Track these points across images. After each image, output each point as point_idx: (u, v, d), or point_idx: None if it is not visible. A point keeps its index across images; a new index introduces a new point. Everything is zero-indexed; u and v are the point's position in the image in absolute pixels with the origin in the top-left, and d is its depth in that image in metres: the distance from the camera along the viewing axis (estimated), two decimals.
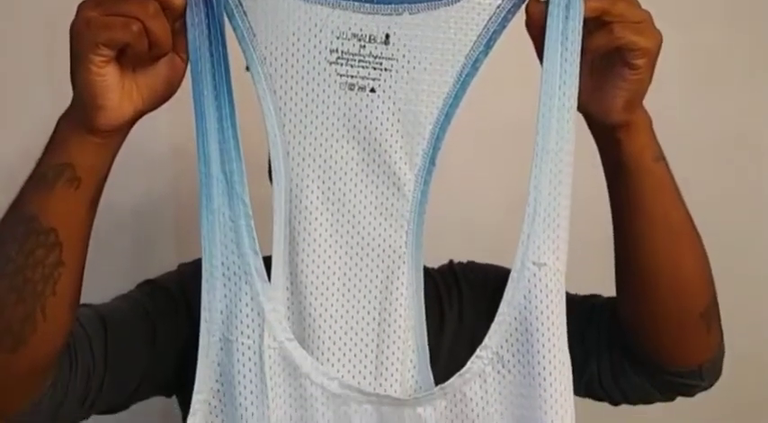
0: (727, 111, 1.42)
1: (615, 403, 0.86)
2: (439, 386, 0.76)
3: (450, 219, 1.12)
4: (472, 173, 1.32)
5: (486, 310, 0.77)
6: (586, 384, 0.82)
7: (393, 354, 0.77)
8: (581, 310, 0.79)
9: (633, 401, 0.85)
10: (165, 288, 0.83)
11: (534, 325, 0.74)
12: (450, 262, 0.93)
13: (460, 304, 0.88)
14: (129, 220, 1.19)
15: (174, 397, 0.90)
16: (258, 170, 0.82)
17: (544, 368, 0.74)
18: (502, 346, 0.76)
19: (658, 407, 0.87)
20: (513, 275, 0.75)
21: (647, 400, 0.85)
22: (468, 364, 0.76)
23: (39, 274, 0.67)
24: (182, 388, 0.79)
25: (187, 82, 0.72)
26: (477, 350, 0.76)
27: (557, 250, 0.76)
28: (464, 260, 0.96)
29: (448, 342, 0.85)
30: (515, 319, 0.76)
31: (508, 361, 0.76)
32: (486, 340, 0.76)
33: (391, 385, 0.77)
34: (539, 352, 0.74)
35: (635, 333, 0.80)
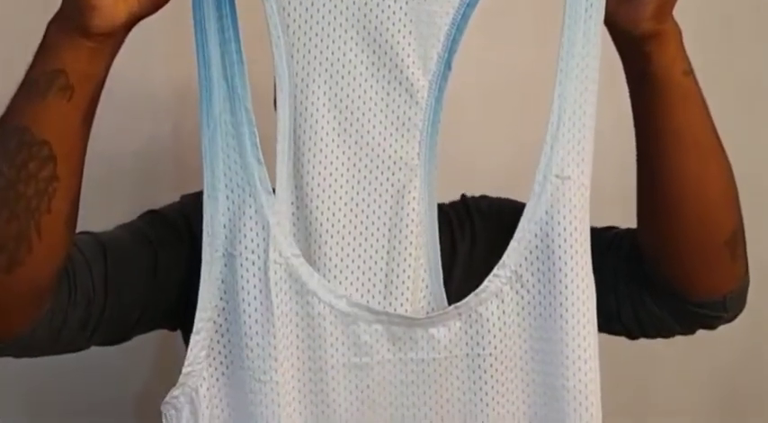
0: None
1: (633, 337, 0.82)
2: (453, 305, 0.72)
3: (454, 166, 1.08)
4: (478, 122, 1.28)
5: (500, 242, 0.73)
6: (604, 317, 0.77)
7: (404, 272, 0.73)
8: (599, 242, 0.75)
9: (652, 335, 0.81)
10: (167, 217, 0.79)
11: (556, 241, 0.70)
12: (463, 196, 0.89)
13: (473, 236, 0.84)
14: (130, 166, 1.16)
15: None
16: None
17: (566, 287, 0.70)
18: (521, 265, 0.72)
19: None
20: (534, 189, 0.71)
21: (667, 334, 0.81)
22: (485, 282, 0.72)
23: (32, 188, 0.62)
24: (185, 321, 0.75)
25: (187, 23, 0.67)
26: (495, 269, 0.72)
27: (581, 163, 0.71)
28: (476, 194, 0.92)
29: (459, 273, 0.81)
30: (536, 235, 0.71)
31: (527, 280, 0.72)
32: (504, 258, 0.72)
33: (402, 305, 0.73)
34: (560, 270, 0.70)
35: (656, 263, 0.76)
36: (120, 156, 1.15)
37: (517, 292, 0.72)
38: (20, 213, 0.62)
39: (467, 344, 0.73)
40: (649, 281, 0.77)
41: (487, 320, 0.72)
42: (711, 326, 0.79)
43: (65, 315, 0.67)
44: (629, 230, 0.81)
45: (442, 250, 0.76)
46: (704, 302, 0.75)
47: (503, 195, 0.89)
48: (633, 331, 0.80)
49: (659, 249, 0.75)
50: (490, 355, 0.72)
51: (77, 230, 0.68)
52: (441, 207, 0.84)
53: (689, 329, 0.80)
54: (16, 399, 1.13)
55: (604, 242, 0.79)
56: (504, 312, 0.72)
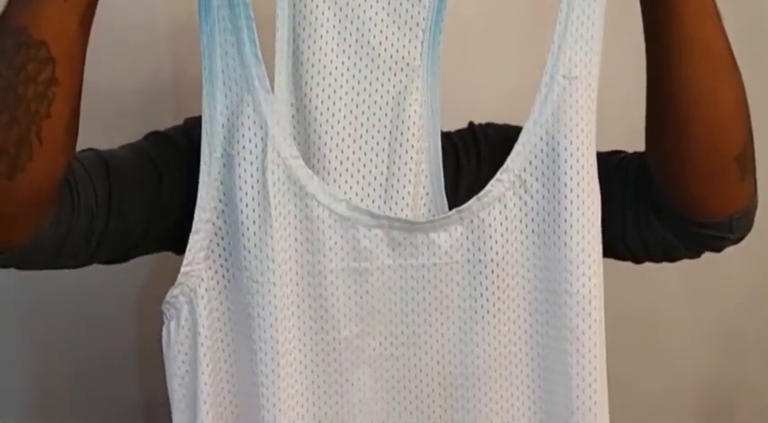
0: None
1: (638, 261, 0.80)
2: (455, 209, 0.71)
3: (449, 106, 1.06)
4: (474, 61, 1.25)
5: None
6: (610, 240, 0.75)
7: (405, 176, 0.72)
8: (606, 165, 0.72)
9: (657, 258, 0.79)
10: (170, 137, 0.78)
11: (562, 144, 0.68)
12: (470, 123, 0.87)
13: (479, 161, 0.81)
14: (133, 103, 1.15)
15: None
16: None
17: (571, 190, 0.68)
18: (525, 170, 0.70)
19: None
20: (540, 90, 0.69)
21: (672, 257, 0.79)
22: (488, 187, 0.70)
23: (31, 91, 0.61)
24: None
25: None
26: (498, 173, 0.70)
27: (589, 64, 0.68)
28: (483, 122, 0.90)
29: (464, 193, 0.79)
30: (541, 138, 0.69)
31: (531, 185, 0.70)
32: (507, 162, 0.70)
33: (402, 209, 0.72)
34: (566, 173, 0.68)
35: (663, 183, 0.73)
36: (121, 93, 1.14)
37: (520, 198, 0.71)
38: (20, 117, 0.61)
39: (468, 249, 0.71)
40: (655, 203, 0.74)
41: (489, 226, 0.71)
42: (717, 248, 0.77)
43: (68, 227, 0.67)
44: (635, 154, 0.79)
45: (446, 175, 0.74)
46: (710, 223, 0.73)
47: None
48: (638, 254, 0.78)
49: (667, 168, 0.72)
50: (491, 260, 0.71)
51: (80, 149, 0.68)
52: (447, 134, 0.83)
53: (694, 252, 0.77)
54: (15, 302, 1.15)
55: (611, 166, 0.77)
56: (506, 218, 0.71)
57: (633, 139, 0.77)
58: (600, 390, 0.70)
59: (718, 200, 0.72)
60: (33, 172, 0.62)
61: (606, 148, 0.78)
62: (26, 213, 0.64)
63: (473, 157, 0.82)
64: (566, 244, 0.69)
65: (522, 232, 0.71)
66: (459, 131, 0.86)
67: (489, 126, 0.86)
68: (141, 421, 1.22)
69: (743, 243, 0.77)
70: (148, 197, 0.73)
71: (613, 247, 0.76)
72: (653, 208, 0.74)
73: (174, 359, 0.73)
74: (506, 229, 0.71)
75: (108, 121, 1.04)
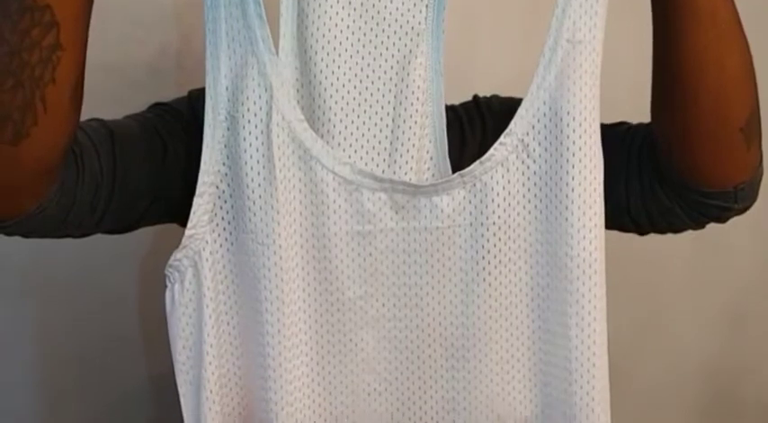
0: None
1: (642, 232, 0.81)
2: (458, 173, 0.71)
3: (453, 78, 1.06)
4: (478, 27, 1.24)
5: None
6: (614, 211, 0.76)
7: (408, 140, 0.72)
8: (611, 136, 0.73)
9: (661, 229, 0.80)
10: (175, 108, 0.78)
11: (565, 108, 0.69)
12: (475, 96, 0.87)
13: (483, 133, 0.82)
14: (140, 76, 1.15)
15: None
16: None
17: (573, 154, 0.69)
18: (528, 134, 0.71)
19: None
20: (544, 54, 0.69)
21: (677, 228, 0.80)
22: (491, 151, 0.71)
23: (36, 56, 0.61)
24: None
25: None
26: (501, 137, 0.71)
27: (594, 28, 0.69)
28: (488, 94, 0.90)
29: (467, 164, 0.80)
30: (544, 103, 0.70)
31: (534, 150, 0.71)
32: (510, 126, 0.71)
33: (405, 173, 0.72)
34: (568, 138, 0.69)
35: (669, 153, 0.74)
36: (128, 65, 1.13)
37: (523, 162, 0.71)
38: (24, 82, 0.60)
39: (470, 213, 0.72)
40: (660, 172, 0.75)
41: (492, 190, 0.71)
42: (722, 218, 0.78)
43: (73, 196, 0.67)
44: (640, 124, 0.79)
45: (451, 146, 0.75)
46: (715, 193, 0.73)
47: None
48: (642, 225, 0.79)
49: (673, 138, 0.73)
50: (494, 224, 0.72)
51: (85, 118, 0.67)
52: (452, 107, 0.83)
53: (699, 222, 0.78)
54: (15, 273, 1.15)
55: (616, 136, 0.78)
56: (509, 182, 0.72)
57: (639, 112, 0.77)
58: (599, 352, 0.71)
59: (722, 169, 0.72)
60: (38, 139, 0.61)
61: (612, 121, 0.79)
62: (31, 181, 0.64)
63: (478, 128, 0.83)
64: (567, 208, 0.70)
65: (524, 196, 0.72)
66: (464, 104, 0.86)
67: (494, 98, 0.87)
68: (147, 396, 1.23)
69: (748, 223, 0.77)
70: (153, 168, 0.73)
71: (618, 218, 0.77)
72: (657, 178, 0.75)
73: (178, 321, 0.73)
74: (509, 193, 0.72)
75: (115, 93, 1.04)
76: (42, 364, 1.19)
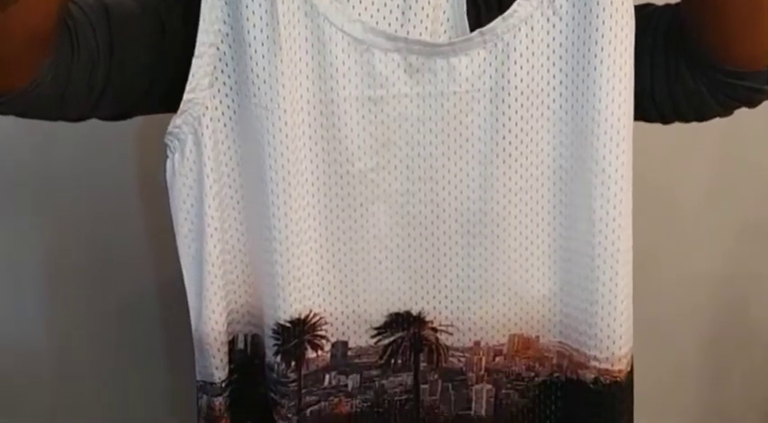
0: None
1: (666, 120, 0.75)
2: (478, 31, 0.65)
3: None
4: None
5: None
6: (637, 95, 0.70)
7: None
8: (637, 14, 0.67)
9: (686, 115, 0.74)
10: None
11: None
12: None
13: None
14: None
15: None
16: None
17: (604, 10, 0.63)
18: None
19: None
20: None
21: (703, 114, 0.74)
22: (514, 6, 0.65)
23: None
24: None
25: None
26: None
27: None
28: None
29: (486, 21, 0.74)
30: None
31: (560, 6, 0.65)
32: None
33: (420, 33, 0.67)
34: None
35: (698, 29, 0.67)
36: None
37: (548, 20, 0.66)
38: None
39: (490, 76, 0.67)
40: (688, 53, 0.69)
41: (514, 50, 0.66)
42: (750, 101, 0.72)
43: (68, 73, 0.62)
44: (667, 5, 0.73)
45: (469, 4, 0.68)
46: (744, 73, 0.67)
47: None
48: (666, 111, 0.73)
49: (702, 14, 0.67)
50: (515, 88, 0.67)
51: None
52: None
53: (726, 106, 0.72)
54: (19, 189, 1.12)
55: (642, 17, 0.71)
56: (532, 41, 0.66)
57: None
58: (624, 225, 0.67)
59: (753, 47, 0.66)
60: (27, 3, 0.56)
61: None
62: (22, 53, 0.59)
63: None
64: (595, 69, 0.64)
65: (548, 58, 0.66)
66: None
67: None
68: (156, 302, 1.21)
69: None
70: (152, 48, 0.67)
71: (642, 104, 0.71)
72: (684, 58, 0.69)
73: (179, 193, 0.69)
74: (532, 54, 0.66)
75: None
76: (49, 271, 1.17)
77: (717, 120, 0.75)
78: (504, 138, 0.68)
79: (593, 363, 0.71)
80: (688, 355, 1.43)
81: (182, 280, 0.73)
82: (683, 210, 1.34)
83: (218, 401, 0.73)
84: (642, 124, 0.72)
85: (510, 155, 0.68)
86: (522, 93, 0.67)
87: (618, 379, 0.70)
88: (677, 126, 0.76)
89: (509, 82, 0.67)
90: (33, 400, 1.22)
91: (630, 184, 0.67)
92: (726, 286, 1.41)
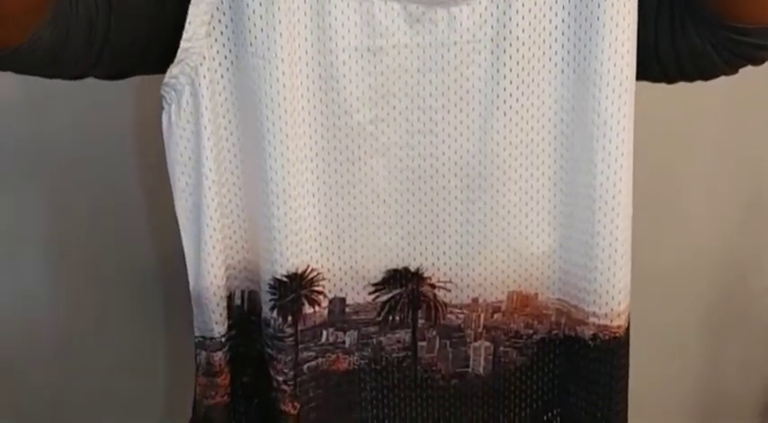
0: None
1: (670, 80, 0.74)
2: None
3: None
4: None
5: None
6: (641, 53, 0.69)
7: None
8: None
9: (690, 74, 0.72)
10: None
11: None
12: None
13: None
14: None
15: None
16: None
17: None
18: None
19: None
20: None
21: (708, 72, 0.73)
22: None
23: None
24: None
25: None
26: None
27: None
28: None
29: None
30: None
31: None
32: None
33: None
34: None
35: None
36: None
37: None
38: None
39: (492, 27, 0.66)
40: (692, 9, 0.68)
41: (516, 0, 0.65)
42: (755, 59, 0.70)
43: (67, 29, 0.61)
44: None
45: None
46: (749, 30, 0.66)
47: None
48: (670, 69, 0.72)
49: None
50: (517, 39, 0.66)
51: None
52: None
53: (732, 64, 0.71)
54: (18, 155, 1.11)
55: None
56: None
57: None
58: (625, 178, 0.66)
59: (757, 3, 0.65)
60: None
61: None
62: (20, 9, 0.57)
63: None
64: (598, 19, 0.63)
65: (551, 9, 0.65)
66: None
67: None
68: (157, 268, 1.20)
69: None
70: (150, 3, 0.66)
71: (645, 63, 0.70)
72: (689, 14, 0.68)
73: (176, 145, 0.69)
74: (534, 4, 0.65)
75: None
76: (51, 240, 1.16)
77: (722, 86, 0.74)
78: (504, 89, 0.67)
79: (592, 319, 0.70)
80: (688, 328, 1.43)
81: (181, 244, 0.72)
82: (685, 190, 1.34)
83: (218, 356, 0.72)
84: (645, 91, 0.71)
85: (511, 107, 0.67)
86: (523, 43, 0.66)
87: (617, 335, 0.70)
88: (682, 92, 0.75)
89: (510, 32, 0.66)
90: (36, 373, 1.21)
91: (632, 138, 0.67)
92: (727, 262, 1.41)
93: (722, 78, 0.74)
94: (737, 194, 1.36)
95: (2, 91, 1.06)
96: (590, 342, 0.71)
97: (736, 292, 1.43)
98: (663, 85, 0.73)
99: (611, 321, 0.69)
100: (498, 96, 0.67)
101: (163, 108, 0.68)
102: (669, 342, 1.37)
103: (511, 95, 0.67)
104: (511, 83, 0.67)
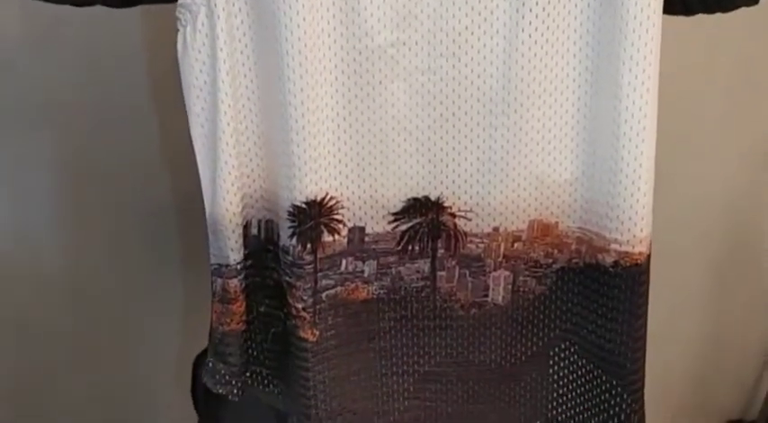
0: None
1: (690, 11, 0.72)
2: None
3: None
4: None
5: None
6: None
7: None
8: None
9: (710, 5, 0.71)
10: None
11: None
12: None
13: None
14: None
15: None
16: None
17: None
18: None
19: None
20: None
21: (726, 4, 0.71)
22: None
23: None
24: None
25: None
26: None
27: None
28: None
29: None
30: None
31: None
32: None
33: None
34: None
35: None
36: None
37: None
38: None
39: None
40: None
41: None
42: None
43: None
44: None
45: None
46: None
47: None
48: (691, 1, 0.71)
49: None
50: None
51: None
52: None
53: None
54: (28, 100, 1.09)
55: None
56: None
57: None
58: (651, 101, 0.65)
59: None
60: None
61: None
62: None
63: None
64: None
65: None
66: None
67: None
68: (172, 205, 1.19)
69: None
70: None
71: None
72: None
73: (191, 68, 0.67)
74: None
75: None
76: (64, 183, 1.15)
77: (740, 26, 0.72)
78: (530, 10, 0.65)
79: (614, 246, 0.70)
80: (693, 278, 1.43)
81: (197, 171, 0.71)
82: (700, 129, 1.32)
83: (234, 283, 0.72)
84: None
85: (536, 29, 0.66)
86: None
87: (638, 261, 0.69)
88: (699, 31, 0.74)
89: None
90: (48, 321, 1.21)
91: (659, 61, 0.65)
92: (736, 209, 1.41)
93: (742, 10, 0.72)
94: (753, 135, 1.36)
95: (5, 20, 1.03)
96: (611, 269, 0.70)
97: (744, 232, 1.43)
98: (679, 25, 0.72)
99: (633, 247, 0.69)
100: (524, 17, 0.65)
101: (177, 30, 0.67)
102: (675, 281, 1.38)
103: (537, 17, 0.65)
104: (537, 4, 0.65)
